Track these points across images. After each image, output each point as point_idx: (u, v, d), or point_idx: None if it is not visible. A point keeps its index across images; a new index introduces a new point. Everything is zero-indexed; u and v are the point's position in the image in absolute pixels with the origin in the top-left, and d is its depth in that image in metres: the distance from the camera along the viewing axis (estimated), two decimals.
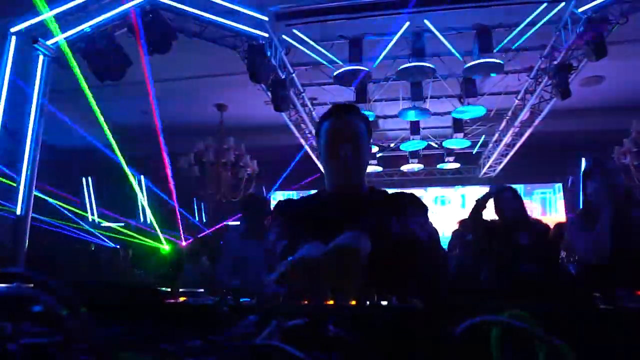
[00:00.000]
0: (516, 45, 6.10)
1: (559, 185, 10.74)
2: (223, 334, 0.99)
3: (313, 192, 1.79)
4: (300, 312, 1.23)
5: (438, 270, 1.45)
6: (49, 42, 4.39)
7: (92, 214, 10.76)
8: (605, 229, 2.70)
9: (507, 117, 8.20)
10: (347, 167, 1.60)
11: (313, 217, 1.57)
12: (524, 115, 7.59)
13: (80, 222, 8.86)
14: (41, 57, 4.44)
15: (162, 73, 7.07)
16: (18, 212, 4.41)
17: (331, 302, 1.21)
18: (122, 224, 9.98)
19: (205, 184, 9.27)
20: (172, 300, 1.31)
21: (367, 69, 6.05)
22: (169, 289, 1.43)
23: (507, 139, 8.52)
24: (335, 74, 6.19)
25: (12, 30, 4.42)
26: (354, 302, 1.22)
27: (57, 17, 4.41)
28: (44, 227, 6.82)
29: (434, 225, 1.62)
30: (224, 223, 9.70)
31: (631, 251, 2.64)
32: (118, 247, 8.30)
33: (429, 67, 5.97)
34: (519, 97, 7.51)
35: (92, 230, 9.06)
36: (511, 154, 9.16)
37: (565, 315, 1.10)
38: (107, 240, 9.04)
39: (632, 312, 1.02)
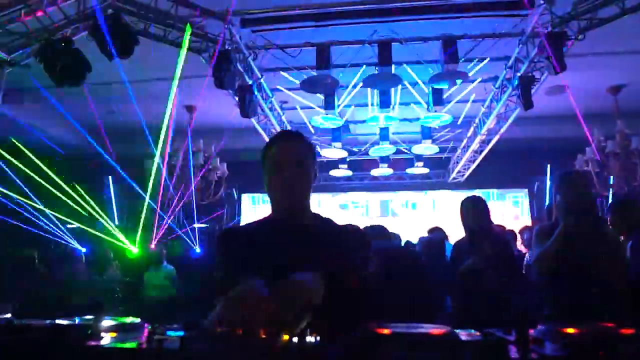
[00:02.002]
0: (482, 56, 6.21)
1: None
2: None
3: (258, 218, 1.79)
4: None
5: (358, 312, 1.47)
6: (3, 46, 4.27)
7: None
8: (552, 245, 2.75)
9: (474, 125, 8.33)
10: (290, 192, 1.61)
11: (257, 249, 1.57)
12: (491, 123, 7.72)
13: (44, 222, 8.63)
14: None
15: (127, 73, 6.97)
16: None
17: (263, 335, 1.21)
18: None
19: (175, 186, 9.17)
20: (94, 343, 1.28)
21: (333, 77, 6.05)
22: (93, 323, 1.40)
23: (474, 145, 8.66)
24: (301, 81, 6.17)
25: None
26: (286, 337, 1.22)
27: (12, 19, 4.30)
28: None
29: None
30: (192, 226, 9.62)
31: (574, 269, 2.70)
32: (84, 250, 8.12)
33: (394, 75, 6.01)
34: (485, 106, 7.63)
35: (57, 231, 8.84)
36: (479, 159, 9.32)
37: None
38: (70, 242, 8.82)
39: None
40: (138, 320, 1.67)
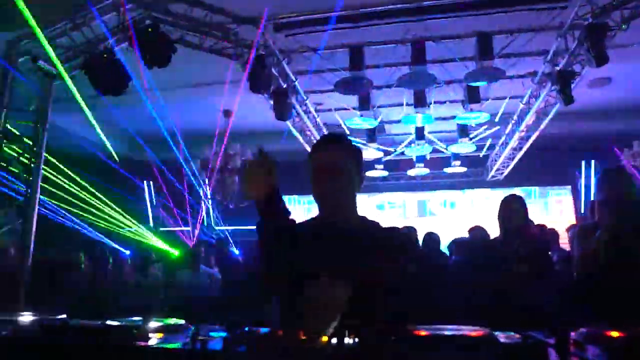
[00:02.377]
0: (519, 51, 6.07)
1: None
2: None
3: (306, 219, 1.82)
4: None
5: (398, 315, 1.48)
6: (50, 59, 4.50)
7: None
8: (593, 244, 2.66)
9: (513, 121, 8.14)
10: (328, 199, 1.64)
11: (298, 250, 1.58)
12: (530, 119, 7.53)
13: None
14: (42, 75, 4.55)
15: (169, 81, 7.18)
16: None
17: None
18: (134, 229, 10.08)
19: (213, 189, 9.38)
20: (141, 343, 1.35)
21: (367, 77, 6.05)
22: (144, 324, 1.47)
23: (513, 142, 8.46)
24: (335, 82, 6.19)
25: (15, 48, 4.53)
26: (325, 339, 1.25)
27: (57, 34, 4.51)
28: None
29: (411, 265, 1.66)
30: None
31: (619, 268, 2.60)
32: (128, 252, 8.39)
33: (429, 74, 5.95)
34: (523, 102, 7.45)
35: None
36: (518, 157, 9.09)
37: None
38: (114, 245, 9.12)
39: None
40: (182, 321, 1.73)
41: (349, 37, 6.09)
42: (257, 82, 5.45)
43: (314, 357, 1.22)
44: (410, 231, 4.85)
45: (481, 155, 10.00)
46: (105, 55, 4.61)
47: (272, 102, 6.45)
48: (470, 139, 8.62)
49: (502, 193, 4.02)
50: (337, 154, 1.65)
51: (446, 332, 1.19)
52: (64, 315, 1.68)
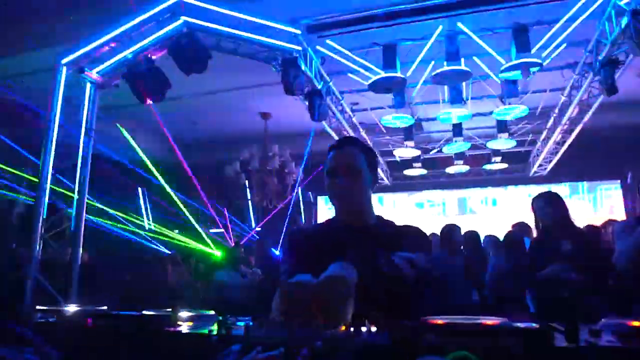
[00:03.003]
0: (557, 42, 5.90)
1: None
2: None
3: (324, 220, 1.89)
4: (280, 342, 1.35)
5: (417, 306, 1.51)
6: (95, 70, 4.76)
7: (148, 221, 11.31)
8: (635, 241, 2.56)
9: (554, 115, 7.90)
10: (344, 197, 1.69)
11: (318, 249, 1.66)
12: (572, 112, 7.29)
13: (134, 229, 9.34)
14: (88, 85, 4.83)
15: (207, 86, 7.42)
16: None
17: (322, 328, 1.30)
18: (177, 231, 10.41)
19: (252, 190, 9.57)
20: (171, 329, 1.45)
21: (401, 76, 6.03)
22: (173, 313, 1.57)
23: (555, 136, 8.21)
24: (369, 82, 6.22)
25: (63, 61, 4.82)
26: (343, 328, 1.31)
27: (101, 45, 4.75)
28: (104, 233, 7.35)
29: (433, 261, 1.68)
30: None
31: None
32: (173, 253, 8.67)
33: (464, 70, 5.88)
34: (564, 94, 7.22)
35: (146, 236, 9.52)
36: (561, 151, 8.80)
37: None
38: (159, 246, 9.45)
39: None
40: (212, 312, 1.82)
41: (382, 36, 6.11)
42: (291, 84, 5.54)
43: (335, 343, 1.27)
44: (451, 229, 4.80)
45: (523, 151, 9.75)
46: (145, 64, 4.81)
47: (307, 104, 6.54)
48: (511, 134, 8.43)
49: (546, 189, 3.94)
50: (351, 153, 1.70)
51: (460, 320, 1.22)
52: (105, 307, 1.81)
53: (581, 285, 3.15)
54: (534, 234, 5.67)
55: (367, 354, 1.25)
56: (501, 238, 4.83)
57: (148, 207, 11.20)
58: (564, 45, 6.03)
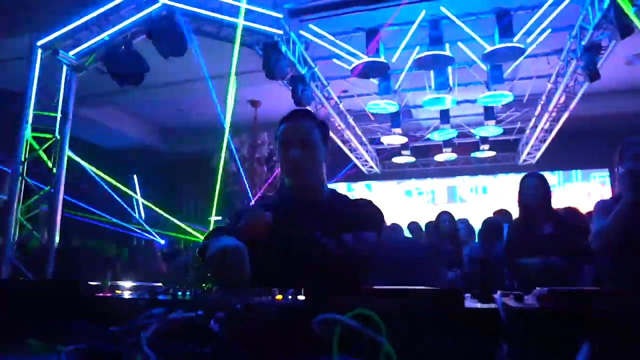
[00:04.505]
0: (541, 27, 5.86)
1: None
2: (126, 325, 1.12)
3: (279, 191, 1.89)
4: (202, 306, 1.35)
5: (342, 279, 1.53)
6: (71, 53, 4.72)
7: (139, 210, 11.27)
8: (611, 221, 2.49)
9: (542, 102, 7.88)
10: (296, 171, 1.68)
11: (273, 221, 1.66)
12: (559, 99, 7.26)
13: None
14: (64, 68, 4.78)
15: (194, 72, 7.35)
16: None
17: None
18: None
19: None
20: (101, 294, 1.45)
21: (384, 61, 6.00)
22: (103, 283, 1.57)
23: (543, 124, 8.18)
24: (351, 67, 6.18)
25: (39, 43, 4.78)
26: (280, 297, 1.31)
27: (80, 28, 4.71)
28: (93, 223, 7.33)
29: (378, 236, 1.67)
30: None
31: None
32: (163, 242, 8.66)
33: (446, 55, 5.84)
34: (551, 81, 7.20)
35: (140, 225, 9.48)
36: (549, 139, 8.79)
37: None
38: (155, 236, 9.42)
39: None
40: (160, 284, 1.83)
41: (365, 22, 6.07)
42: (272, 68, 5.50)
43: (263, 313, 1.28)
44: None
45: (511, 139, 9.74)
46: (123, 47, 4.78)
47: (290, 89, 6.50)
48: (498, 122, 8.41)
49: None
50: (303, 126, 1.69)
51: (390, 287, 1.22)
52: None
53: (563, 270, 3.14)
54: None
55: (280, 316, 1.26)
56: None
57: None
58: (549, 30, 6.00)
